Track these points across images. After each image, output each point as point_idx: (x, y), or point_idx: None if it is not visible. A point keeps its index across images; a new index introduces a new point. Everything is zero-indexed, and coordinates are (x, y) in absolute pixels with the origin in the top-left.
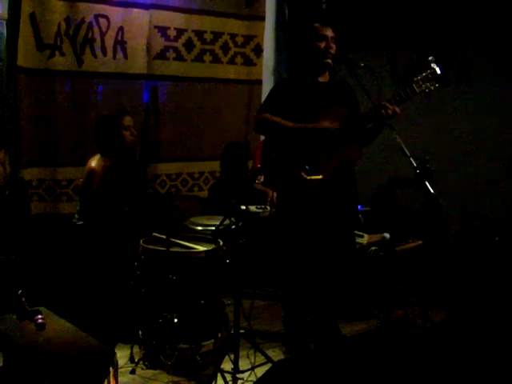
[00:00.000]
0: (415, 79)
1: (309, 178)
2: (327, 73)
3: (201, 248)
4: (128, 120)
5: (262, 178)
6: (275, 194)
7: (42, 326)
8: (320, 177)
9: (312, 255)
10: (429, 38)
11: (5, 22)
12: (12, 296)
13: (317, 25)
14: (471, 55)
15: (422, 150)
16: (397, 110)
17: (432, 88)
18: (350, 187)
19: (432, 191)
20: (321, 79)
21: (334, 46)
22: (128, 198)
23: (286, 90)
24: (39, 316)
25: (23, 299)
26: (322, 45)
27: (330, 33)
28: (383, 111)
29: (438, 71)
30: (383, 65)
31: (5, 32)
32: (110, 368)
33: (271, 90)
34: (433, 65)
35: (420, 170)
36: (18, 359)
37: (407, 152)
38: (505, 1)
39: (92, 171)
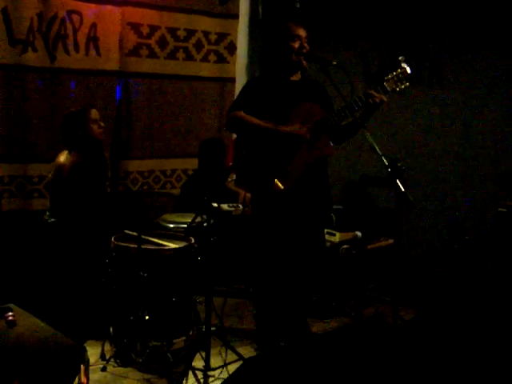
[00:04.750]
0: (386, 78)
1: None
2: (299, 72)
3: (172, 245)
4: (94, 113)
5: (234, 177)
6: (247, 194)
7: (12, 323)
8: (282, 187)
9: (283, 253)
10: (401, 37)
11: None
12: None
13: (290, 24)
14: (443, 56)
15: (393, 148)
16: (384, 98)
17: (403, 87)
18: (322, 185)
19: (403, 190)
20: (293, 78)
21: (307, 46)
22: (98, 193)
23: (258, 88)
24: (9, 313)
25: None
26: (296, 45)
27: (302, 32)
28: (371, 100)
29: (409, 70)
30: (356, 64)
31: None
32: (81, 365)
33: (243, 88)
34: (403, 64)
35: (391, 168)
36: None
37: (378, 151)
38: (478, 2)
39: (61, 166)
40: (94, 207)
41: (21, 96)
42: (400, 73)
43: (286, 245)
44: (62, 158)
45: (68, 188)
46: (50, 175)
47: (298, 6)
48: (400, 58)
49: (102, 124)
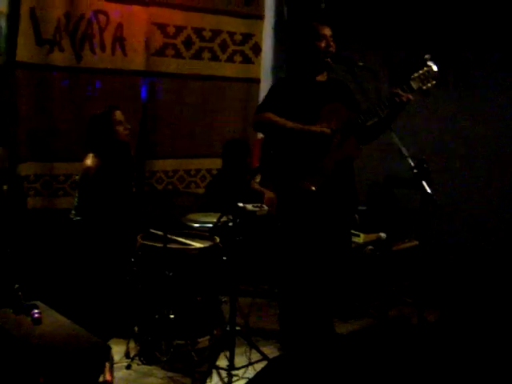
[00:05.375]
0: (412, 76)
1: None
2: (325, 72)
3: (198, 245)
4: (119, 115)
5: (258, 178)
6: (272, 194)
7: (38, 321)
8: (313, 188)
9: (309, 254)
10: (427, 38)
11: (4, 17)
12: (8, 290)
13: (315, 24)
14: (470, 58)
15: (419, 150)
16: (410, 96)
17: (429, 85)
18: (348, 186)
19: (429, 191)
20: (319, 78)
21: (333, 45)
22: (124, 193)
23: (285, 88)
24: (35, 310)
25: (19, 293)
26: (322, 44)
27: (328, 32)
28: (397, 99)
29: (435, 68)
30: (381, 64)
31: (4, 26)
32: (106, 363)
33: (270, 89)
34: (429, 62)
35: (417, 169)
36: (14, 353)
37: (404, 152)
38: (505, 4)
39: (87, 169)
40: (120, 207)
41: (47, 95)
42: (426, 71)
43: (312, 245)
44: (89, 160)
45: (94, 190)
46: (78, 178)
47: (323, 6)
48: (426, 56)
49: (127, 125)
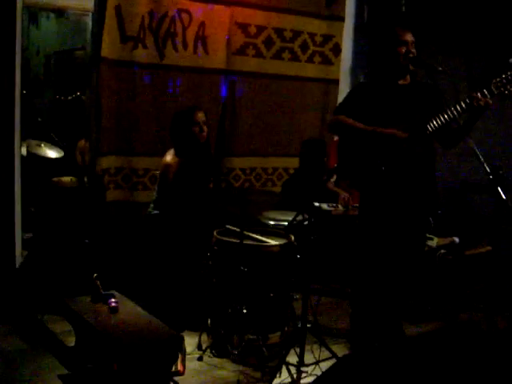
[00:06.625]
0: (494, 81)
1: None
2: (408, 75)
3: (273, 242)
4: (200, 116)
5: (334, 178)
6: (346, 194)
7: (114, 309)
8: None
9: (386, 254)
10: (506, 42)
11: (91, 14)
12: (87, 279)
13: (397, 29)
14: None
15: (495, 155)
16: (489, 101)
17: (511, 90)
18: (428, 188)
19: (504, 197)
20: (401, 82)
21: (414, 51)
22: (202, 190)
23: (365, 92)
24: (112, 299)
25: (98, 282)
26: (403, 49)
27: (409, 37)
28: (475, 103)
29: None
30: (460, 68)
31: (90, 23)
32: (179, 353)
33: (349, 92)
34: None
35: (493, 175)
36: (90, 340)
37: (481, 158)
38: None
39: (168, 165)
40: (197, 203)
41: (130, 91)
42: (510, 75)
43: (387, 246)
44: (169, 157)
45: (173, 185)
46: (158, 173)
47: (404, 9)
48: (511, 60)
49: (204, 128)
